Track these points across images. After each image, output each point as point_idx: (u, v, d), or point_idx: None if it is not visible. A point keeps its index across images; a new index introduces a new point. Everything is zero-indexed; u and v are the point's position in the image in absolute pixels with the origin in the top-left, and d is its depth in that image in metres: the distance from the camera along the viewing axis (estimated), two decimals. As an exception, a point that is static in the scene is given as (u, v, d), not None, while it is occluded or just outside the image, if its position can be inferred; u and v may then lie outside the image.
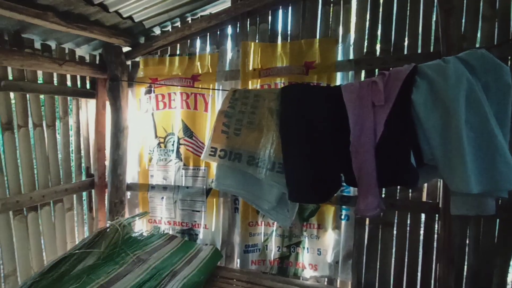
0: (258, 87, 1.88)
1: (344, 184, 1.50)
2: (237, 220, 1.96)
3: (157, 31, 2.16)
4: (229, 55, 1.99)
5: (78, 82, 2.10)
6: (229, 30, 2.00)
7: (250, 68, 1.88)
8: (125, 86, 2.09)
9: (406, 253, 1.70)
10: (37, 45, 1.82)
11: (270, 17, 1.91)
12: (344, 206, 1.78)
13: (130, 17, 1.88)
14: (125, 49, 2.15)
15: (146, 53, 2.14)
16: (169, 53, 2.13)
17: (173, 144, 2.09)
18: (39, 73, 1.82)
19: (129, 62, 2.18)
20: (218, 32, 2.02)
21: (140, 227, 2.18)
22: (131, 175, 2.19)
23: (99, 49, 2.14)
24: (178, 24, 2.11)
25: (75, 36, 1.87)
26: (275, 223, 1.89)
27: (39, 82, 1.81)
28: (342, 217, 1.79)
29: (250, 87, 1.87)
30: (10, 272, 1.68)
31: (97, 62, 2.19)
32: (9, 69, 1.64)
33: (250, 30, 1.92)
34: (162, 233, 2.00)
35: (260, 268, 1.92)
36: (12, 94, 1.67)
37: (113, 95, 2.03)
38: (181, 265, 1.70)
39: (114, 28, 1.91)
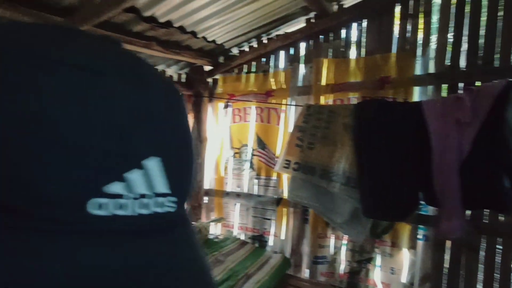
0: (331, 101, 1.92)
1: (423, 202, 1.45)
2: (306, 230, 2.02)
3: (234, 51, 2.36)
4: (301, 71, 2.08)
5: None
6: (302, 47, 2.09)
7: (323, 83, 1.94)
8: (206, 101, 2.33)
9: (495, 283, 1.55)
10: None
11: (343, 33, 1.95)
12: (421, 226, 1.70)
13: (213, 41, 2.11)
14: (207, 68, 2.40)
15: (225, 71, 2.36)
16: (245, 70, 2.31)
17: (246, 155, 2.25)
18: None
19: (210, 80, 2.43)
20: (292, 50, 2.13)
21: (214, 230, 2.38)
22: (208, 182, 2.41)
23: (185, 69, 2.43)
24: (254, 44, 2.28)
25: (167, 59, 2.17)
26: (346, 236, 1.89)
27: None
28: (419, 237, 1.71)
29: (322, 102, 1.92)
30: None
31: (183, 80, 2.48)
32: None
33: (323, 47, 1.99)
34: (235, 238, 2.15)
35: (329, 281, 1.94)
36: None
37: (196, 109, 2.28)
38: (254, 270, 1.81)
39: (200, 51, 2.16)
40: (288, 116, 2.09)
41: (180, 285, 0.23)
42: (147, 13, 1.54)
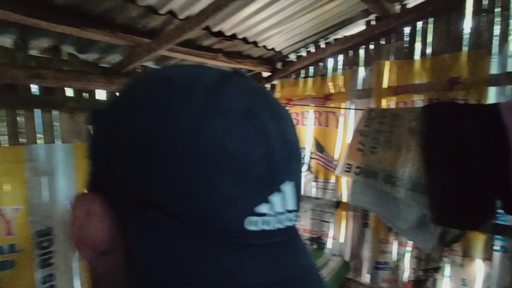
0: (393, 104, 1.88)
1: (501, 211, 1.36)
2: (366, 235, 1.99)
3: (292, 56, 2.43)
4: (361, 74, 2.06)
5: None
6: (362, 49, 2.08)
7: (384, 85, 1.91)
8: (265, 106, 2.43)
9: None
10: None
11: (406, 34, 1.89)
12: (498, 236, 1.58)
13: (272, 48, 2.20)
14: (265, 74, 2.50)
15: (282, 77, 2.43)
16: (303, 75, 2.36)
17: (304, 158, 2.29)
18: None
19: (268, 86, 2.52)
20: (350, 53, 2.12)
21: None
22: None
23: (244, 76, 2.56)
24: (311, 49, 2.32)
25: (230, 68, 2.31)
26: (410, 243, 1.83)
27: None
28: (496, 248, 1.59)
29: (384, 105, 1.89)
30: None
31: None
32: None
33: (384, 48, 1.96)
34: (293, 238, 2.21)
35: (391, 287, 1.89)
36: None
37: (256, 114, 2.39)
38: (314, 270, 1.85)
39: (259, 58, 2.26)
40: (347, 120, 2.08)
41: None
42: (216, 29, 1.68)
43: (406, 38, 1.89)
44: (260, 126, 0.27)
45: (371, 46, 2.02)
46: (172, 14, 1.42)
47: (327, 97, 2.17)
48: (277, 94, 2.45)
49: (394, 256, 1.90)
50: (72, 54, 1.53)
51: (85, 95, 1.56)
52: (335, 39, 2.17)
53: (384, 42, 1.96)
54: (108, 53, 1.60)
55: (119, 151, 0.27)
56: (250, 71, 2.41)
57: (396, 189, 1.49)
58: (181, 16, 1.46)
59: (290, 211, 0.28)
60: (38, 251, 1.32)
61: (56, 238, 1.37)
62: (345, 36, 2.09)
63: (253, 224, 0.25)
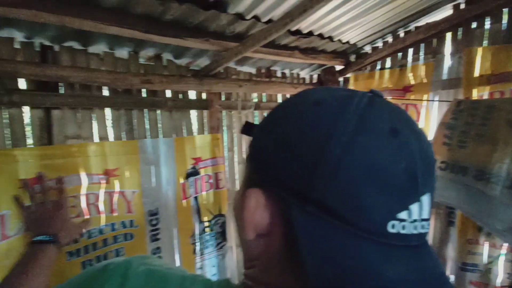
0: (486, 94, 1.72)
1: None
2: (451, 234, 1.88)
3: (367, 48, 2.37)
4: (447, 62, 1.93)
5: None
6: (448, 36, 1.93)
7: (476, 74, 1.76)
8: (338, 100, 2.43)
9: None
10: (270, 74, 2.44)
11: (505, 15, 1.70)
12: None
13: (347, 41, 2.18)
14: (338, 67, 2.49)
15: (356, 70, 2.40)
16: (379, 67, 2.30)
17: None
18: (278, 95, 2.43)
19: (340, 79, 2.51)
20: (434, 41, 1.99)
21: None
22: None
23: (315, 70, 2.59)
24: (389, 39, 2.23)
25: (301, 64, 2.36)
26: (505, 245, 1.68)
27: (278, 101, 2.42)
28: None
29: (475, 95, 1.75)
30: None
31: (314, 81, 2.65)
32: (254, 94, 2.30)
33: (476, 33, 1.80)
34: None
35: (481, 292, 1.76)
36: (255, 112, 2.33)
37: (329, 108, 2.41)
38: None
39: (334, 53, 2.27)
40: (430, 112, 1.97)
41: None
42: (295, 28, 1.75)
43: (504, 21, 1.70)
44: (403, 143, 0.31)
45: (459, 32, 1.87)
46: (256, 18, 1.55)
47: (407, 89, 2.08)
48: (351, 87, 2.43)
49: (485, 258, 1.76)
50: (169, 60, 1.76)
51: (180, 96, 1.79)
52: (416, 27, 2.05)
53: (475, 26, 1.80)
54: (198, 57, 1.81)
55: (284, 159, 0.33)
56: (322, 65, 2.44)
57: (491, 186, 1.39)
58: (264, 20, 1.58)
59: (424, 220, 0.32)
60: (149, 227, 1.58)
61: (162, 217, 1.62)
62: (428, 23, 1.97)
63: (393, 227, 0.30)
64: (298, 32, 1.81)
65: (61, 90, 1.40)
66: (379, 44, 2.28)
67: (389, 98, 2.16)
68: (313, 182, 0.30)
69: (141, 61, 1.68)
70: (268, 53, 1.80)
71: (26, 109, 1.32)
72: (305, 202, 0.31)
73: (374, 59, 2.25)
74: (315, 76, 2.65)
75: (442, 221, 1.92)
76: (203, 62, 1.88)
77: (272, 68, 2.32)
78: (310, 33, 1.89)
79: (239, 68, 2.11)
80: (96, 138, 1.50)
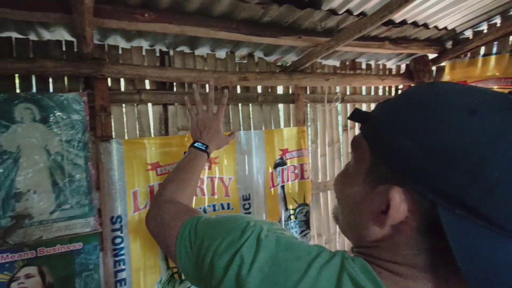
0: None
1: None
2: None
3: (467, 33, 2.15)
4: None
5: (380, 90, 2.52)
6: None
7: None
8: (430, 91, 2.27)
9: None
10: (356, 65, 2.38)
11: None
12: None
13: (444, 27, 2.02)
14: (431, 56, 2.32)
15: (453, 57, 2.20)
16: (482, 53, 2.07)
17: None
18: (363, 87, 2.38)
19: (433, 68, 2.33)
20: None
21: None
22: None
23: (404, 60, 2.45)
24: (496, 21, 1.99)
25: (388, 54, 2.27)
26: None
27: (362, 94, 2.38)
28: None
29: None
30: (339, 231, 2.37)
31: (401, 72, 2.51)
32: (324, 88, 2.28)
33: None
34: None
35: None
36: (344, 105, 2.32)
37: (419, 100, 2.26)
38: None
39: (427, 40, 2.12)
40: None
41: None
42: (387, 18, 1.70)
43: None
44: None
45: None
46: (348, 12, 1.56)
47: (519, 77, 1.84)
48: (446, 77, 2.24)
49: None
50: (260, 57, 1.89)
51: (269, 91, 1.91)
52: (536, 5, 1.79)
53: None
54: (286, 53, 1.90)
55: (437, 166, 0.34)
56: (410, 54, 2.30)
57: None
58: (356, 13, 1.58)
59: None
60: (243, 210, 1.76)
61: (253, 202, 1.78)
62: (552, 0, 1.70)
63: None
64: (390, 22, 1.75)
65: (174, 89, 1.65)
66: (483, 27, 2.05)
67: (495, 87, 1.94)
68: (471, 191, 0.33)
69: (236, 60, 1.85)
70: (357, 46, 1.79)
71: (149, 106, 1.59)
72: (456, 205, 0.34)
73: (477, 44, 2.03)
74: (403, 66, 2.52)
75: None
76: (290, 58, 1.96)
77: (357, 60, 2.28)
78: (402, 22, 1.81)
79: (324, 62, 2.14)
80: (200, 130, 1.72)
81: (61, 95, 1.30)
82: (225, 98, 1.19)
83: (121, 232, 1.43)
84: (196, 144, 1.06)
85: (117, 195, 1.41)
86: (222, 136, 1.16)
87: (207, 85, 1.68)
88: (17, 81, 1.28)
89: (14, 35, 1.29)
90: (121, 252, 1.43)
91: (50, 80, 1.34)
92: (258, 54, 1.87)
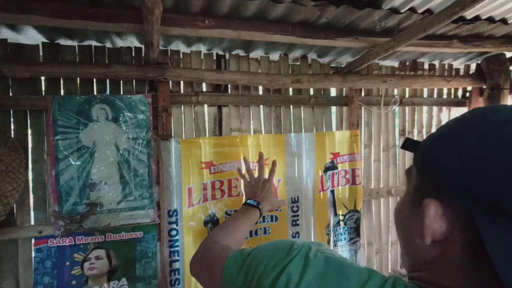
0: None
1: None
2: None
3: (558, 27, 1.87)
4: None
5: (444, 93, 2.31)
6: None
7: None
8: (506, 94, 2.03)
9: None
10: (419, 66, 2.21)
11: None
12: None
13: (527, 22, 1.78)
14: (508, 54, 2.07)
15: (538, 55, 1.93)
16: None
17: None
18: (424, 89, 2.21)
19: (511, 68, 2.08)
20: None
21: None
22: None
23: (474, 59, 2.22)
24: None
25: (455, 53, 2.07)
26: None
27: (424, 96, 2.21)
28: None
29: None
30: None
31: (471, 72, 2.28)
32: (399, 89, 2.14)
33: None
34: None
35: None
36: (397, 108, 2.18)
37: (492, 103, 2.04)
38: None
39: (504, 37, 1.89)
40: None
41: None
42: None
43: None
44: None
45: None
46: (411, 10, 1.46)
47: None
48: (527, 78, 1.98)
49: None
50: (313, 59, 1.87)
51: (321, 93, 1.88)
52: None
53: None
54: (341, 55, 1.85)
55: (474, 175, 0.35)
56: (483, 53, 2.07)
57: None
58: (420, 11, 1.47)
59: None
60: (291, 213, 1.76)
61: (302, 205, 1.77)
62: None
63: None
64: (460, 19, 1.60)
65: (228, 91, 1.71)
66: None
67: None
68: (509, 197, 0.33)
69: (289, 62, 1.85)
70: (420, 45, 1.67)
71: (205, 107, 1.67)
72: (496, 214, 0.33)
73: None
74: (473, 66, 2.28)
75: None
76: (345, 59, 1.90)
77: (418, 60, 2.13)
78: (475, 18, 1.64)
79: (381, 62, 2.04)
80: (251, 131, 1.76)
81: (129, 96, 1.44)
82: (275, 166, 1.42)
83: (176, 225, 1.53)
84: (249, 201, 1.18)
85: (174, 190, 1.52)
86: (274, 198, 1.33)
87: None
88: (94, 84, 1.45)
89: (94, 43, 1.45)
90: (176, 244, 1.53)
91: (121, 83, 1.48)
92: (312, 55, 1.85)
